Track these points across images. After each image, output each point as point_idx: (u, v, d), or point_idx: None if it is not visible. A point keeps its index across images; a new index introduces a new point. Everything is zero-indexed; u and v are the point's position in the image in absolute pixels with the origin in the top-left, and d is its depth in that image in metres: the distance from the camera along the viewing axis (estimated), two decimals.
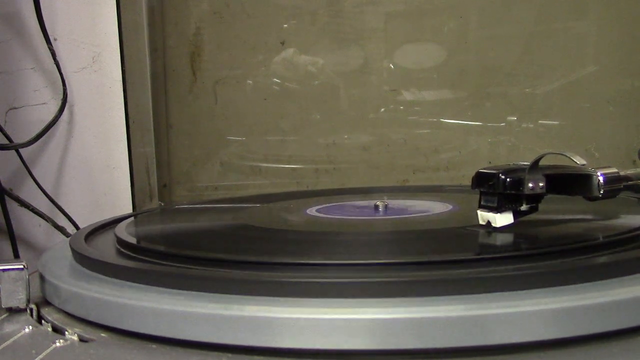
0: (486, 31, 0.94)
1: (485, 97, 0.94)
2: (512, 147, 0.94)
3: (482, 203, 0.50)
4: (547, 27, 0.93)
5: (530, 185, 0.48)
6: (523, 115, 0.94)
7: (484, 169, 0.50)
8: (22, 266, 0.45)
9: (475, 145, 0.95)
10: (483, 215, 0.50)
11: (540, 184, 0.48)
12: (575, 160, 0.47)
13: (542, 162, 0.49)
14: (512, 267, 0.40)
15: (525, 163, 0.49)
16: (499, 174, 0.48)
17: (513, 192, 0.48)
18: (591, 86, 0.93)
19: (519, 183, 0.48)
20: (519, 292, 0.37)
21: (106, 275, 0.45)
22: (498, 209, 0.49)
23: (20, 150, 0.84)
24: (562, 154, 0.48)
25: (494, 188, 0.48)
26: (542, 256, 0.43)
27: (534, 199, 0.50)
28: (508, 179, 0.48)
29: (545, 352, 0.35)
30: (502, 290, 0.37)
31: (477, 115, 0.94)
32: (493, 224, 0.49)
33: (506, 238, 0.49)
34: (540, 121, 0.94)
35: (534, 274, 0.38)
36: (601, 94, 0.93)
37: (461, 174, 0.94)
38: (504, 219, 0.49)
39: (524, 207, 0.49)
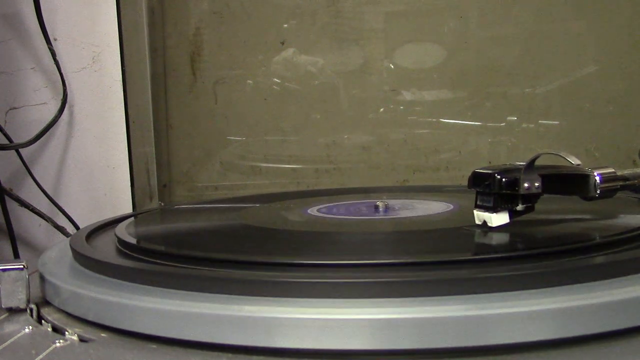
0: (486, 31, 0.94)
1: (485, 97, 0.94)
2: (512, 147, 0.94)
3: (478, 203, 0.50)
4: (547, 27, 0.93)
5: (526, 185, 0.48)
6: (523, 115, 0.94)
7: (480, 169, 0.50)
8: (22, 266, 0.45)
9: (475, 145, 0.95)
10: (479, 215, 0.50)
11: (536, 184, 0.48)
12: (570, 160, 0.48)
13: (538, 162, 0.49)
14: (512, 267, 0.40)
15: (521, 163, 0.49)
16: (494, 174, 0.48)
17: (509, 192, 0.48)
18: (591, 86, 0.93)
19: (514, 183, 0.48)
20: (519, 292, 0.37)
21: (106, 275, 0.45)
22: (494, 209, 0.49)
23: (20, 150, 0.84)
24: (557, 154, 0.48)
25: (490, 188, 0.49)
26: (542, 256, 0.43)
27: (530, 199, 0.50)
28: (504, 179, 0.48)
29: (545, 352, 0.35)
30: (502, 290, 0.37)
31: (477, 115, 0.94)
32: (489, 224, 0.49)
33: (507, 238, 0.49)
34: (540, 121, 0.94)
35: (534, 274, 0.38)
36: (601, 94, 0.93)
37: (461, 174, 0.94)
38: (499, 219, 0.49)
39: (519, 207, 0.50)
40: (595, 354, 0.35)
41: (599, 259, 0.42)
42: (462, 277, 0.38)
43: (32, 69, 0.88)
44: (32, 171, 0.86)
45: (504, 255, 0.44)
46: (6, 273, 0.45)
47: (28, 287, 0.45)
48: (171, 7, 0.95)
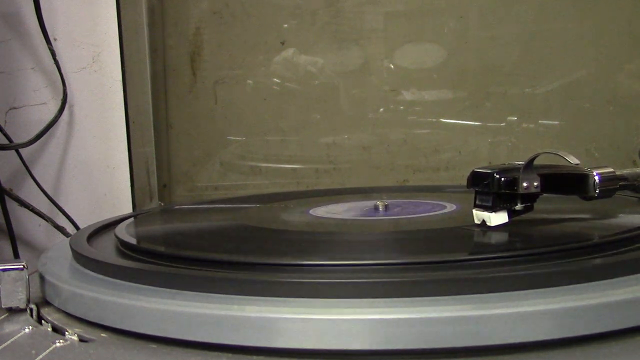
0: (486, 31, 0.94)
1: (485, 97, 0.94)
2: (512, 147, 0.94)
3: (477, 202, 0.50)
4: (547, 27, 0.93)
5: (525, 184, 0.48)
6: (523, 115, 0.94)
7: (479, 168, 0.50)
8: (22, 266, 0.45)
9: (475, 146, 0.95)
10: (478, 215, 0.50)
11: (535, 184, 0.48)
12: (569, 159, 0.48)
13: (538, 162, 0.49)
14: (511, 267, 0.40)
15: (521, 163, 0.49)
16: (493, 173, 0.48)
17: (508, 191, 0.48)
18: (591, 86, 0.93)
19: (513, 182, 0.48)
20: (519, 292, 0.37)
21: (106, 275, 0.45)
22: (493, 209, 0.49)
23: (20, 150, 0.84)
24: (556, 154, 0.48)
25: (489, 187, 0.49)
26: (542, 256, 0.43)
27: (529, 199, 0.50)
28: (503, 179, 0.48)
29: (545, 352, 0.35)
30: (502, 290, 0.37)
31: (477, 115, 0.94)
32: (488, 223, 0.49)
33: (507, 238, 0.49)
34: (540, 121, 0.94)
35: (534, 274, 0.38)
36: (601, 94, 0.93)
37: (461, 174, 0.93)
38: (498, 218, 0.49)
39: (518, 207, 0.50)
40: (595, 354, 0.35)
41: (599, 259, 0.42)
42: (462, 277, 0.38)
43: (32, 69, 0.88)
44: (32, 171, 0.86)
45: (503, 255, 0.44)
46: (6, 273, 0.45)
47: (28, 287, 0.45)
48: (171, 7, 0.95)
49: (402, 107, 0.95)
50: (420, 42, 0.95)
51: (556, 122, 0.94)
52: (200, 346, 0.37)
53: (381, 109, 0.96)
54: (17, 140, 0.84)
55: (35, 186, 0.85)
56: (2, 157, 0.84)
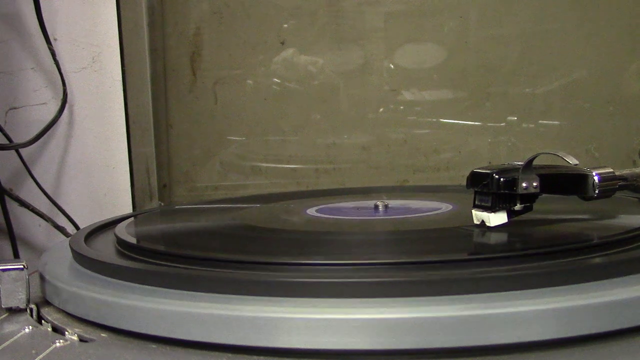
0: (486, 31, 0.94)
1: (485, 97, 0.94)
2: (512, 147, 0.94)
3: (476, 202, 0.50)
4: (547, 27, 0.93)
5: (524, 185, 0.48)
6: (523, 115, 0.94)
7: (479, 168, 0.50)
8: (22, 266, 0.45)
9: (475, 146, 0.95)
10: (477, 215, 0.50)
11: (534, 184, 0.48)
12: (568, 160, 0.48)
13: (537, 162, 0.49)
14: (511, 267, 0.40)
15: (520, 163, 0.49)
16: (492, 173, 0.48)
17: (507, 191, 0.48)
18: (591, 86, 0.93)
19: (512, 183, 0.48)
20: (519, 292, 0.37)
21: (106, 275, 0.45)
22: (492, 209, 0.49)
23: (20, 150, 0.84)
24: (555, 154, 0.48)
25: (488, 188, 0.49)
26: (542, 256, 0.43)
27: (528, 199, 0.50)
28: (502, 179, 0.48)
29: (545, 352, 0.35)
30: (502, 290, 0.37)
31: (477, 115, 0.94)
32: (487, 224, 0.49)
33: (507, 238, 0.49)
34: (540, 121, 0.94)
35: (534, 274, 0.38)
36: (601, 94, 0.93)
37: (461, 174, 0.93)
38: (498, 219, 0.49)
39: (517, 207, 0.50)
40: (595, 354, 0.35)
41: (599, 259, 0.42)
42: (462, 277, 0.38)
43: (32, 69, 0.88)
44: (32, 171, 0.86)
45: (503, 255, 0.44)
46: (6, 273, 0.45)
47: (28, 287, 0.45)
48: (171, 7, 0.95)
49: (402, 107, 0.95)
50: (420, 42, 0.95)
51: (556, 122, 0.94)
52: (200, 346, 0.37)
53: (381, 109, 0.96)
54: (17, 140, 0.84)
55: (35, 186, 0.85)
56: (2, 157, 0.84)
